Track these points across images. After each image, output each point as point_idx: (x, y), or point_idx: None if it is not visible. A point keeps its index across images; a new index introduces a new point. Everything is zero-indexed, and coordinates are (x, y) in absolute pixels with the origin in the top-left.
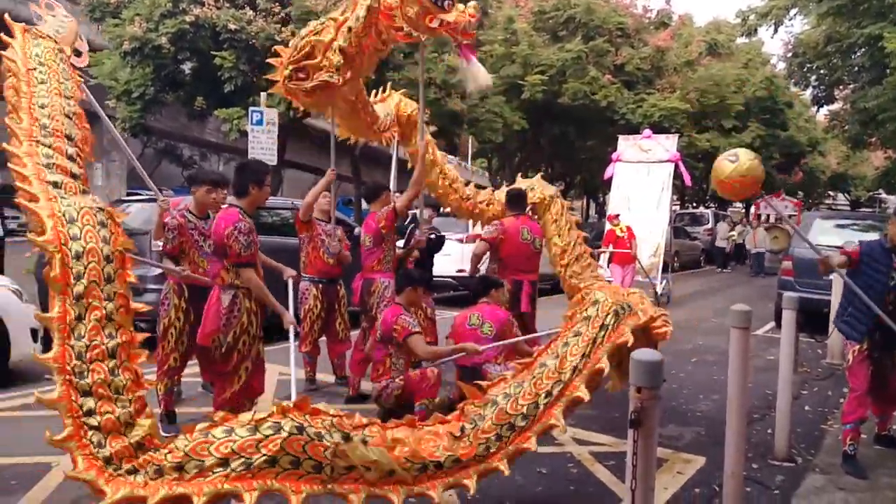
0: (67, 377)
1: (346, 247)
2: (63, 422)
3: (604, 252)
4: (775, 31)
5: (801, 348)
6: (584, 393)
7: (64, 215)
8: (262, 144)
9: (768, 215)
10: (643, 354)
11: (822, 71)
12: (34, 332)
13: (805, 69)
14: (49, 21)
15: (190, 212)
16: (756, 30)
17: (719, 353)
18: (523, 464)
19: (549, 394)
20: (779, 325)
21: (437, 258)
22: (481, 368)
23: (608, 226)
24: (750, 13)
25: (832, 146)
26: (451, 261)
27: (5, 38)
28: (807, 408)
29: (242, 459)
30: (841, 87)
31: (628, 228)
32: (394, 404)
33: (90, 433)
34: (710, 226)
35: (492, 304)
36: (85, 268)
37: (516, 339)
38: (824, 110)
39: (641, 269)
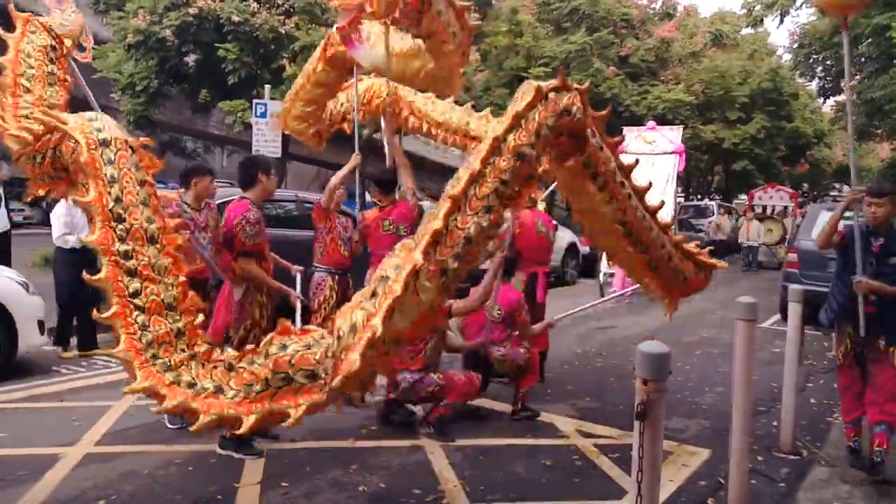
0: (113, 258)
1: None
2: (110, 301)
3: None
4: (781, 21)
5: (806, 341)
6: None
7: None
8: (266, 137)
9: (767, 206)
10: (649, 347)
11: (828, 62)
12: (41, 324)
13: (811, 60)
14: (56, 14)
15: (186, 203)
16: (762, 20)
17: (724, 345)
18: (527, 456)
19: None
20: (784, 318)
21: None
22: (486, 350)
23: None
24: (755, 3)
25: (838, 138)
26: None
27: (4, 34)
28: (812, 400)
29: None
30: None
31: None
32: (416, 399)
33: (136, 313)
34: (714, 218)
35: (505, 284)
36: (119, 170)
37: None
38: (830, 101)
39: None
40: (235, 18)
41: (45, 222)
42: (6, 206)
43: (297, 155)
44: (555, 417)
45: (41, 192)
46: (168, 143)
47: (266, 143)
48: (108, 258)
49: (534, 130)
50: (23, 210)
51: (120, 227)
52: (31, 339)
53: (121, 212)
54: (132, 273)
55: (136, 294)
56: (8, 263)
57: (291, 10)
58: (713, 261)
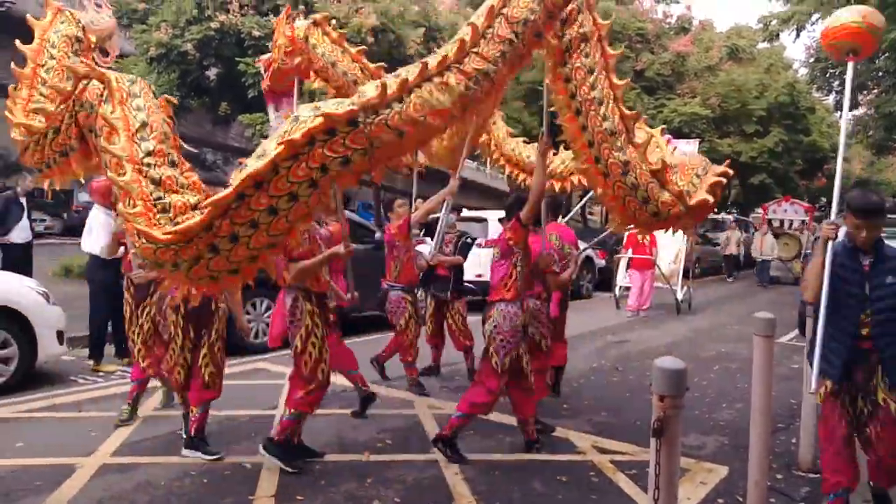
0: (137, 166)
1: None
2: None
3: (623, 257)
4: (797, 35)
5: None
6: None
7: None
8: None
9: (784, 221)
10: (666, 362)
11: (844, 76)
12: (60, 335)
13: (827, 74)
14: (90, 13)
15: None
16: (778, 35)
17: (741, 360)
18: (543, 471)
19: None
20: (802, 333)
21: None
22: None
23: None
24: (772, 18)
25: (856, 152)
26: (470, 265)
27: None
28: None
29: None
30: (864, 91)
31: (651, 235)
32: (507, 348)
33: (160, 216)
34: (726, 232)
35: (536, 235)
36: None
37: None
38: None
39: (661, 276)
40: (256, 33)
41: (66, 232)
42: (28, 216)
43: None
44: (570, 433)
45: (46, 182)
46: (188, 155)
47: None
48: (132, 165)
49: None
50: (44, 220)
51: (144, 145)
52: (50, 349)
53: (144, 134)
54: (156, 182)
55: (159, 199)
56: (29, 273)
57: None
58: (723, 169)
